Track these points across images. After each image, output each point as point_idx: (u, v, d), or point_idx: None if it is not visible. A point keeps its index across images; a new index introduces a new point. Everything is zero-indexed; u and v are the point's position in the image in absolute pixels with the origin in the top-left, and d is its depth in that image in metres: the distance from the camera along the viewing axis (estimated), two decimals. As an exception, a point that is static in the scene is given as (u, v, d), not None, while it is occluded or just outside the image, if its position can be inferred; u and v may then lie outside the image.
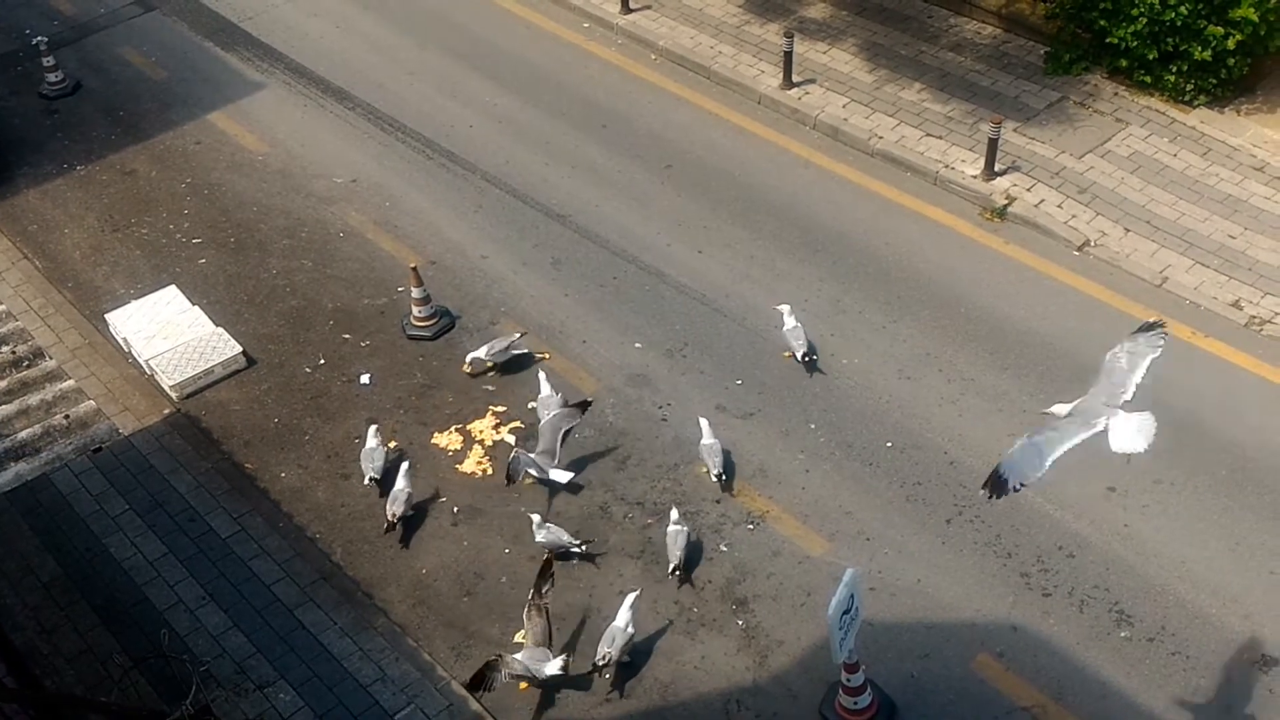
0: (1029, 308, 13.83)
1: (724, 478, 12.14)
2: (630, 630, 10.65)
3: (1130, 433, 8.77)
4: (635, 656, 10.87)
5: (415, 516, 12.12)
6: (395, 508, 11.92)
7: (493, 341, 13.38)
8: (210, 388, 13.66)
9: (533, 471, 12.04)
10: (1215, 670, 10.57)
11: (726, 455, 12.30)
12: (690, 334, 13.85)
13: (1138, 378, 8.86)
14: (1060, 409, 9.04)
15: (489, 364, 13.39)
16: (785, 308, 13.22)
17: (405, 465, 12.14)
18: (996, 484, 8.66)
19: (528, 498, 12.32)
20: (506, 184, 15.97)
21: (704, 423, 12.22)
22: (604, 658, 10.59)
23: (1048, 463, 8.66)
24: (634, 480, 12.37)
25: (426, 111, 17.21)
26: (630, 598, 10.73)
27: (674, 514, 11.53)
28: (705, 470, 12.23)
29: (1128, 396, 8.86)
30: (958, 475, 12.20)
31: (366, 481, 12.26)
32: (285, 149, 16.79)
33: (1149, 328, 8.83)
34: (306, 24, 19.03)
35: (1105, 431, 8.81)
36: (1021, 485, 8.76)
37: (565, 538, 11.52)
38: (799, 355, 13.17)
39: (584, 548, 11.60)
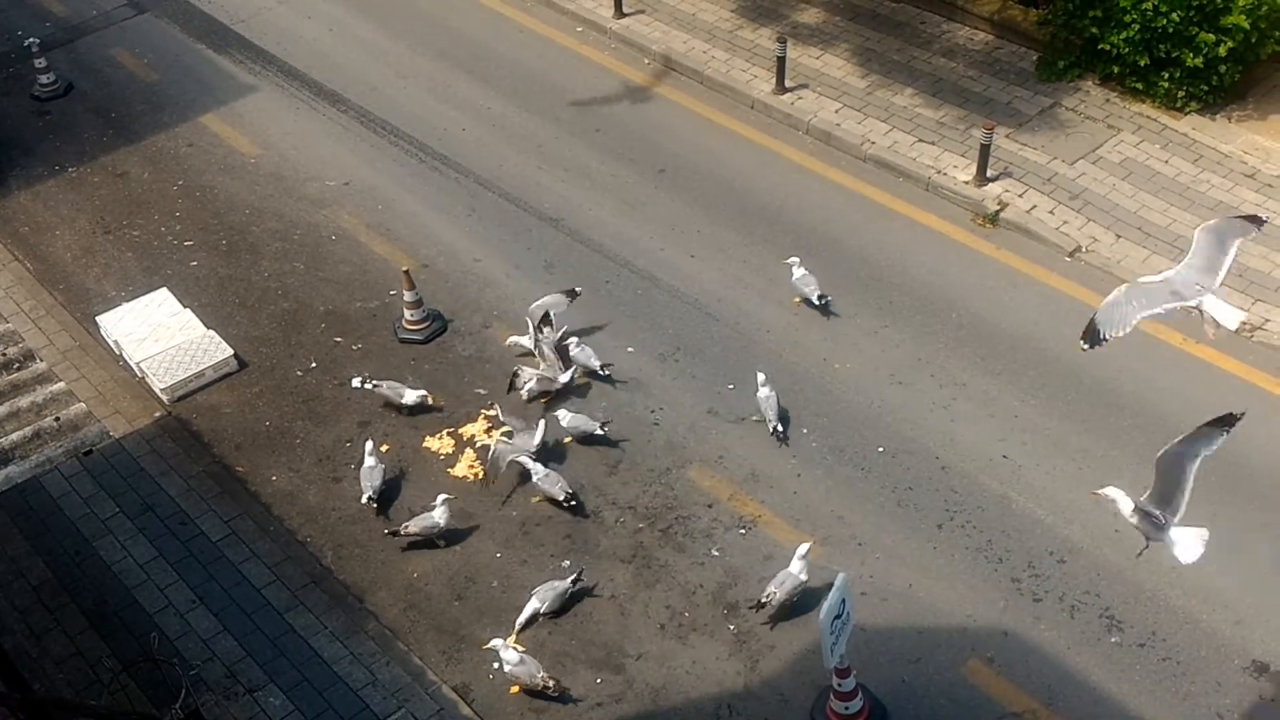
0: (1021, 313, 13.85)
1: (781, 430, 12.47)
2: (803, 577, 10.88)
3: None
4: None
5: (406, 513, 12.13)
6: (369, 483, 12.14)
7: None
8: (201, 390, 13.63)
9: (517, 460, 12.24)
10: (1206, 676, 10.59)
11: (782, 410, 12.62)
12: (683, 338, 13.85)
13: (1229, 260, 8.92)
14: (1150, 278, 9.08)
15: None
16: (794, 259, 13.75)
17: (369, 444, 12.28)
18: (1092, 334, 8.89)
19: (518, 501, 12.32)
20: (499, 188, 15.96)
21: (760, 375, 12.59)
22: (769, 596, 10.88)
23: (1134, 320, 8.88)
24: (626, 485, 12.37)
25: (420, 115, 17.20)
26: (803, 548, 10.93)
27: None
28: (763, 422, 12.56)
29: (1220, 278, 8.93)
30: (949, 480, 12.21)
31: (365, 500, 12.20)
32: (278, 152, 16.77)
33: (1250, 219, 8.91)
34: (300, 27, 19.02)
35: (1198, 306, 8.97)
36: (1109, 338, 8.90)
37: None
38: (814, 299, 13.65)
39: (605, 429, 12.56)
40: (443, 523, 11.73)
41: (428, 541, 11.89)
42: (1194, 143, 15.62)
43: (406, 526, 11.81)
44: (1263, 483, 11.97)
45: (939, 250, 14.70)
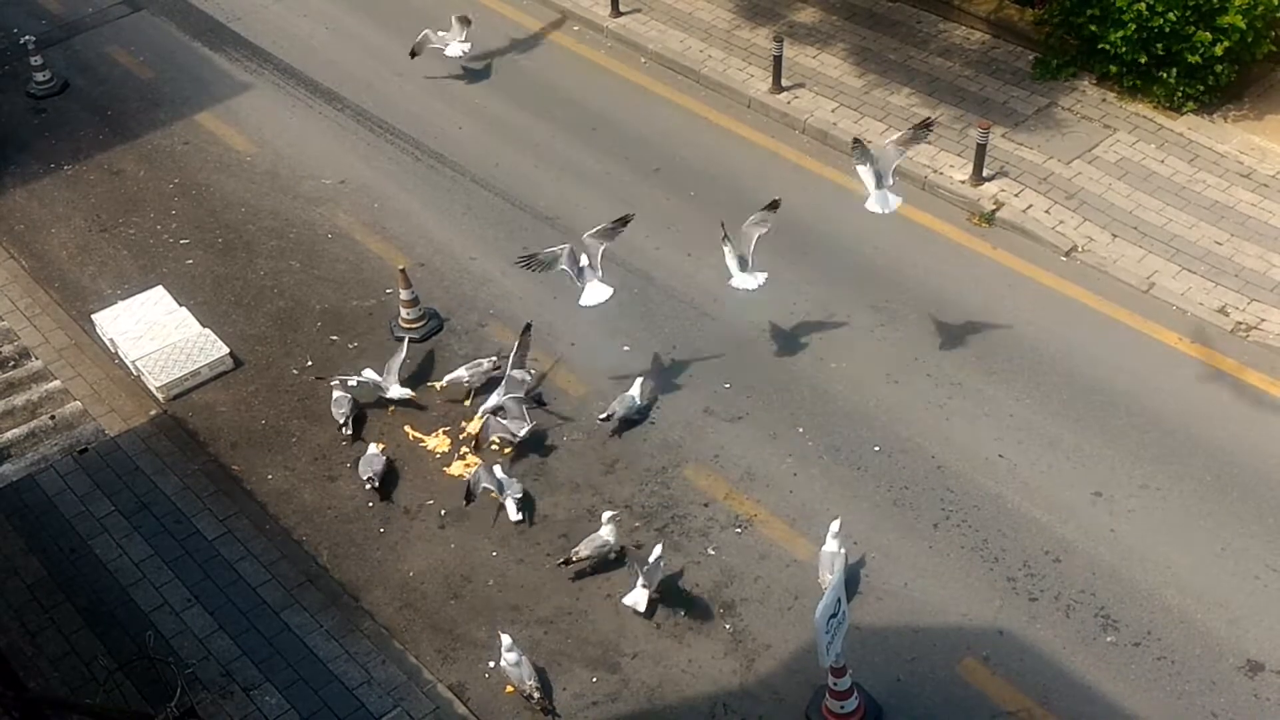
0: (1016, 313, 13.86)
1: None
2: (843, 551, 10.97)
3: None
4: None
5: (402, 512, 12.13)
6: (370, 469, 12.21)
7: (471, 364, 13.22)
8: (197, 389, 13.62)
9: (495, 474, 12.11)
10: (1201, 675, 10.60)
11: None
12: (678, 337, 13.85)
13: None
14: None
15: (468, 387, 13.19)
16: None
17: (373, 446, 12.38)
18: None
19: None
20: (495, 186, 15.96)
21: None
22: (828, 582, 10.76)
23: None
24: (621, 483, 12.37)
25: (415, 113, 17.19)
26: (835, 525, 10.96)
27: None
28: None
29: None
30: (945, 479, 12.22)
31: (367, 487, 12.23)
32: (274, 150, 16.76)
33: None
34: (295, 25, 19.00)
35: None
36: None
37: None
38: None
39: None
40: (613, 540, 11.28)
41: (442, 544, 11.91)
42: (1190, 142, 15.63)
43: (577, 552, 11.30)
44: (1257, 482, 11.99)
45: (935, 249, 14.71)
